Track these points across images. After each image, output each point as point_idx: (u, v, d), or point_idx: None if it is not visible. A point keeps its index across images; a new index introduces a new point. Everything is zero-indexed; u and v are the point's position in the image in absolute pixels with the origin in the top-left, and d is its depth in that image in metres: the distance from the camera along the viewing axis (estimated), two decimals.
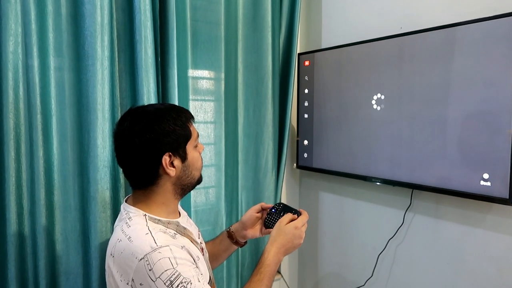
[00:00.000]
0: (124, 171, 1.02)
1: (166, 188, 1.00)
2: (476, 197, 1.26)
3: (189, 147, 1.01)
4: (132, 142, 0.95)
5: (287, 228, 1.09)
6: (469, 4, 1.31)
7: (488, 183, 1.23)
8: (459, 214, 1.37)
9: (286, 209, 1.19)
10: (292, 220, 1.12)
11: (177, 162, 0.99)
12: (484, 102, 1.23)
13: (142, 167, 0.97)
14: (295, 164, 1.97)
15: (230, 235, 1.25)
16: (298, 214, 1.14)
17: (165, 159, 0.96)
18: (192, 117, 1.04)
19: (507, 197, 1.18)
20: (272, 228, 1.14)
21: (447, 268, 1.41)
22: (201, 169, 1.07)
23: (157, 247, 0.88)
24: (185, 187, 1.04)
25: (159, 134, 0.95)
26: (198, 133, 1.06)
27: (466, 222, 1.35)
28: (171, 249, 0.89)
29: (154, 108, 1.00)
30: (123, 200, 1.38)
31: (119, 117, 1.37)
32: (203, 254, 1.06)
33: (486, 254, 1.31)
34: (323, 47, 1.86)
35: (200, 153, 1.07)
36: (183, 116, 1.00)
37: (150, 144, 0.95)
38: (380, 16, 1.61)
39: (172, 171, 0.98)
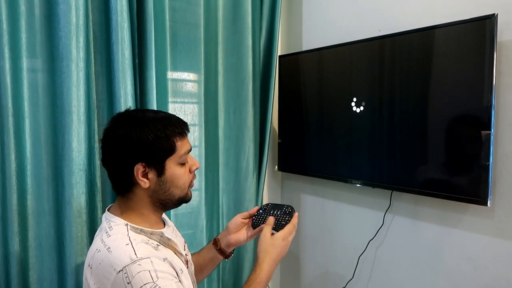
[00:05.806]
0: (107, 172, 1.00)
1: (142, 198, 0.97)
2: (453, 198, 1.27)
3: (171, 162, 0.95)
4: (110, 144, 0.95)
5: (276, 241, 1.06)
6: (446, 7, 1.33)
7: (465, 184, 1.24)
8: (437, 215, 1.39)
9: (275, 207, 1.15)
10: (274, 227, 1.10)
11: (151, 174, 0.94)
12: (461, 103, 1.24)
13: (117, 171, 0.97)
14: (276, 166, 1.96)
15: (215, 241, 1.22)
16: (290, 209, 1.12)
17: (138, 168, 0.93)
18: (184, 131, 0.98)
19: (483, 198, 1.20)
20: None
21: (426, 268, 1.42)
22: (187, 188, 1.01)
23: (137, 259, 0.84)
24: (164, 202, 0.99)
25: (136, 142, 0.91)
26: (189, 149, 0.99)
27: (444, 223, 1.37)
28: (152, 262, 0.85)
29: (142, 114, 0.97)
30: (99, 204, 1.36)
31: (95, 120, 1.35)
32: (187, 267, 1.01)
33: (463, 254, 1.32)
34: (303, 49, 1.86)
35: (191, 171, 1.01)
36: (170, 130, 0.94)
37: (124, 150, 0.92)
38: (359, 19, 1.62)
39: (143, 183, 0.94)
